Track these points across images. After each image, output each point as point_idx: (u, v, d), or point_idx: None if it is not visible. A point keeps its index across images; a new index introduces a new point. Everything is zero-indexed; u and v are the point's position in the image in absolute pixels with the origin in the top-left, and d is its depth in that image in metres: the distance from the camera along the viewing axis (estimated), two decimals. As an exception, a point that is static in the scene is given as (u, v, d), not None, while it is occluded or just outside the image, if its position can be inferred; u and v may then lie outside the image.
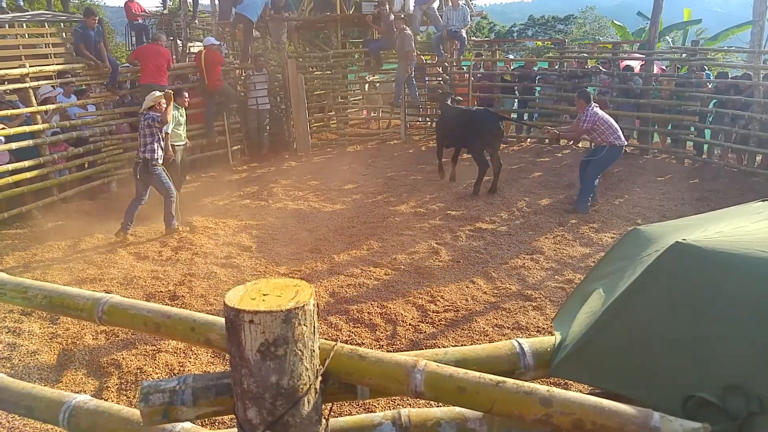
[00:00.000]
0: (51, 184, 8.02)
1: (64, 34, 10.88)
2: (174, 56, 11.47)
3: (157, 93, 6.87)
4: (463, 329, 4.67)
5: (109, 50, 9.70)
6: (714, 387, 1.20)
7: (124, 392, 3.90)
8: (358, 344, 3.72)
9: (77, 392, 2.49)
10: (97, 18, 8.97)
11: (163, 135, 6.88)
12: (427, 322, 4.79)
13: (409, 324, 4.75)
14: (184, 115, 8.34)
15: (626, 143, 8.03)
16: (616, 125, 7.54)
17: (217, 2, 12.20)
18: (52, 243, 6.76)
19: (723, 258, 1.35)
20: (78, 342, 4.53)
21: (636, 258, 1.60)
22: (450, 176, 9.05)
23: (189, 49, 12.50)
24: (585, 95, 7.65)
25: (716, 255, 1.35)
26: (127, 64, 9.97)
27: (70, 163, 8.46)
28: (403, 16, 12.16)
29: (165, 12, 15.70)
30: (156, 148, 6.72)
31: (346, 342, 2.66)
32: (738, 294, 1.29)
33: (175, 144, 7.93)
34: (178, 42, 12.90)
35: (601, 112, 7.53)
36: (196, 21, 12.86)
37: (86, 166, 8.80)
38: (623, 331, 1.37)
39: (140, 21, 14.21)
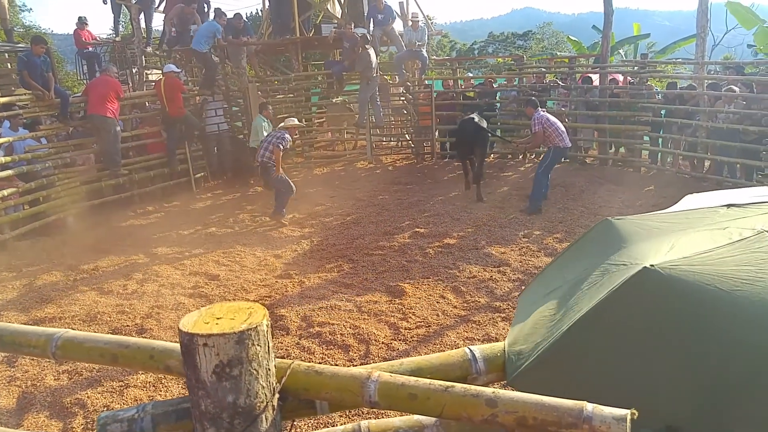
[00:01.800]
0: (2, 221, 7.71)
1: (9, 64, 10.64)
2: (130, 84, 11.35)
3: (296, 121, 8.82)
4: (435, 344, 4.72)
5: (59, 80, 9.49)
6: (657, 424, 1.24)
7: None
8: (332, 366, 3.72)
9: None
10: (45, 47, 8.70)
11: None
12: (399, 340, 4.82)
13: (382, 342, 4.77)
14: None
15: (570, 145, 8.69)
16: (562, 128, 8.21)
17: (172, 31, 12.12)
18: (5, 283, 6.50)
19: (685, 291, 1.37)
20: (38, 383, 4.39)
21: (604, 260, 1.63)
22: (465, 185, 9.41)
23: (147, 77, 12.39)
24: (532, 102, 8.49)
25: (681, 287, 1.38)
26: (79, 94, 9.77)
27: (22, 199, 8.14)
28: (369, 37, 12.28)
29: (117, 39, 15.38)
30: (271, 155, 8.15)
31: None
32: (694, 333, 1.32)
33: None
34: (134, 70, 12.73)
35: (548, 116, 8.23)
36: (149, 48, 12.69)
37: (41, 200, 8.46)
38: (581, 354, 1.41)
39: (91, 49, 13.85)
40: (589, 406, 1.12)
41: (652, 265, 1.43)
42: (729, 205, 1.97)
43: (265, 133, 9.05)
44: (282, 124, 8.57)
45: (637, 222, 1.87)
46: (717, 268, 1.45)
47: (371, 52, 11.18)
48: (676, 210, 2.12)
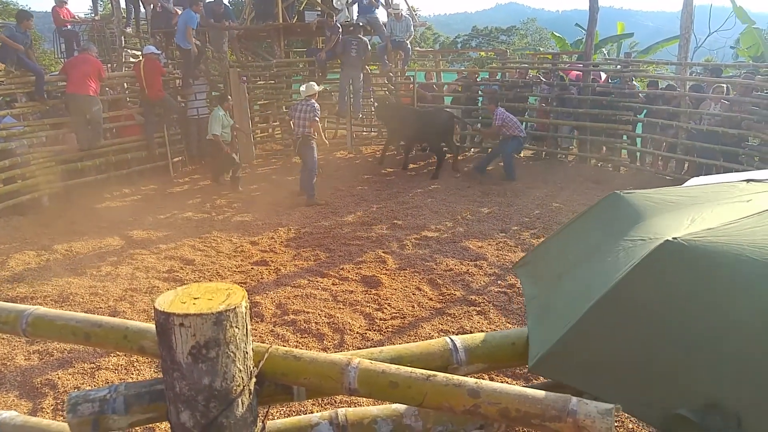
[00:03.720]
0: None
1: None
2: (109, 65, 11.13)
3: (316, 86, 8.66)
4: (409, 335, 4.71)
5: (35, 57, 9.26)
6: (694, 404, 1.18)
7: (61, 413, 3.75)
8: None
9: (7, 412, 2.39)
10: (32, 21, 8.50)
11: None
12: (374, 330, 4.81)
13: (357, 332, 4.76)
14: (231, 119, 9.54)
15: (525, 135, 10.21)
16: (517, 121, 9.86)
17: (158, 6, 11.89)
18: (-23, 261, 6.41)
19: (714, 262, 1.29)
20: (8, 363, 4.32)
21: (618, 235, 1.52)
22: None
23: (126, 59, 12.14)
24: (494, 100, 10.20)
25: (707, 259, 1.30)
26: (56, 73, 9.55)
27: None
28: (351, 28, 12.24)
29: (96, 18, 15.09)
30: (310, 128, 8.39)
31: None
32: (725, 304, 1.24)
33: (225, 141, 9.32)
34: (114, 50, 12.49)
35: (506, 112, 9.83)
36: (129, 29, 12.42)
37: (16, 179, 8.28)
38: (608, 333, 1.32)
39: (69, 27, 13.55)
40: (573, 399, 1.11)
41: (675, 238, 1.35)
42: (748, 180, 1.89)
43: (220, 126, 9.22)
44: (304, 91, 8.55)
45: (650, 196, 1.75)
46: (747, 238, 1.36)
47: (365, 39, 11.29)
48: (689, 185, 2.05)
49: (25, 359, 4.39)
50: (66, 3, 13.39)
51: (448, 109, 10.09)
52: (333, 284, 5.74)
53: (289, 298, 5.40)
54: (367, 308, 5.18)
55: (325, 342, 4.63)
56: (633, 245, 1.42)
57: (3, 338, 4.61)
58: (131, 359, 4.29)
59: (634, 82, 10.54)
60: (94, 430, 1.28)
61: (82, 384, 4.04)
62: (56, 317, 1.50)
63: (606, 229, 1.63)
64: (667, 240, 1.34)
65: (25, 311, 1.51)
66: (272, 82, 12.46)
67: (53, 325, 1.49)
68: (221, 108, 9.40)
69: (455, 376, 1.21)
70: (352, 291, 5.57)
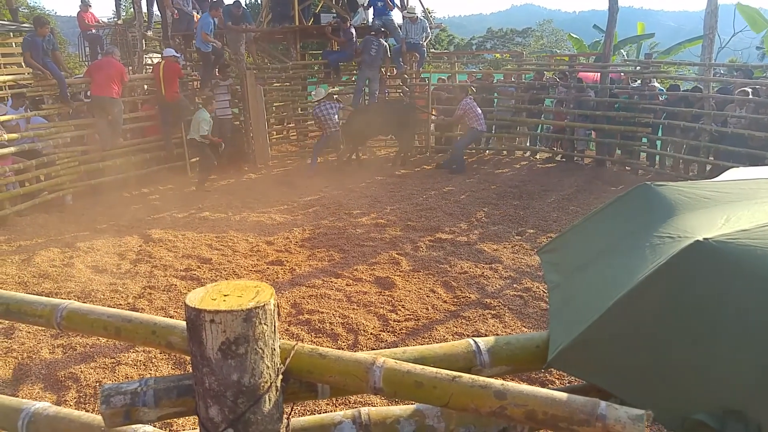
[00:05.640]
0: (3, 197, 7.82)
1: (13, 43, 10.60)
2: (130, 68, 11.30)
3: (323, 91, 10.46)
4: (423, 338, 4.72)
5: (62, 61, 9.47)
6: (714, 408, 1.15)
7: (83, 405, 3.81)
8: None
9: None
10: (48, 27, 8.72)
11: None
12: (388, 331, 4.82)
13: (371, 333, 4.77)
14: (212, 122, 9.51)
15: (485, 130, 10.84)
16: (481, 114, 10.43)
17: (174, 13, 12.07)
18: (5, 257, 6.55)
19: (745, 267, 1.23)
20: (34, 356, 4.41)
21: (646, 230, 1.46)
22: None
23: (148, 61, 12.32)
24: (464, 90, 10.98)
25: (738, 263, 1.24)
26: (81, 76, 9.77)
27: (21, 176, 8.26)
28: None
29: (119, 22, 15.38)
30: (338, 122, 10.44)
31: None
32: (753, 312, 1.19)
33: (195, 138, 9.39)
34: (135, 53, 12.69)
35: (472, 103, 10.47)
36: (150, 32, 12.63)
37: (42, 178, 8.60)
38: (630, 332, 1.28)
39: (93, 31, 13.87)
40: (602, 404, 1.10)
41: (705, 239, 1.29)
42: None
43: (206, 128, 9.29)
44: (320, 96, 10.45)
45: (683, 189, 1.65)
46: None
47: (384, 42, 11.54)
48: (724, 179, 1.98)
49: (50, 352, 4.48)
50: (90, 7, 13.66)
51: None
52: (347, 285, 5.76)
53: (303, 298, 5.42)
54: (381, 309, 5.19)
55: (339, 342, 4.65)
56: (661, 242, 1.37)
57: (29, 332, 4.71)
58: (149, 355, 4.35)
59: (655, 83, 10.42)
60: (126, 420, 1.31)
61: (104, 378, 4.10)
62: (89, 311, 1.53)
63: (634, 221, 1.56)
64: (697, 240, 1.29)
65: (60, 305, 1.55)
66: (288, 84, 12.53)
67: (86, 319, 1.52)
68: (206, 110, 9.47)
69: (481, 378, 1.22)
70: (366, 292, 5.58)
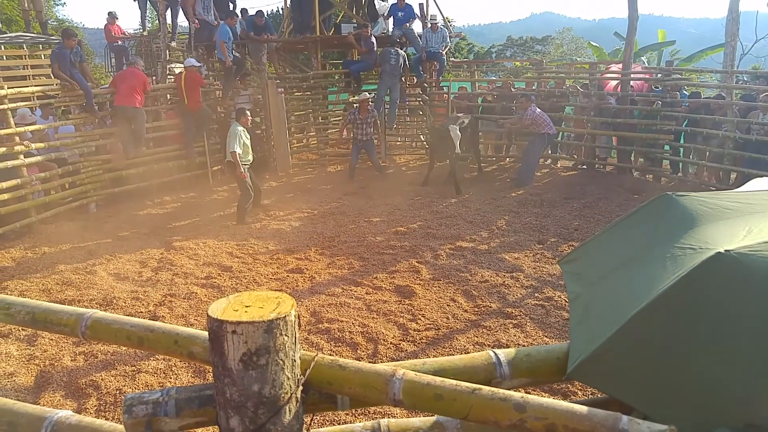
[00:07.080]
0: (29, 205, 7.98)
1: (42, 56, 10.85)
2: (154, 78, 11.49)
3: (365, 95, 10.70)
4: (444, 347, 4.69)
5: (89, 72, 9.67)
6: (736, 422, 1.14)
7: (103, 413, 3.85)
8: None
9: (56, 412, 2.47)
10: (76, 39, 8.93)
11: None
12: (408, 341, 4.80)
13: (391, 343, 4.76)
14: (249, 136, 8.37)
15: (556, 133, 10.55)
16: (549, 119, 10.09)
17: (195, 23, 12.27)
18: (31, 264, 6.69)
19: (767, 280, 1.21)
20: (56, 363, 4.48)
21: (668, 241, 1.45)
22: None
23: (171, 71, 12.52)
24: (527, 98, 10.37)
25: (760, 276, 1.22)
26: (106, 86, 9.98)
27: (48, 185, 8.44)
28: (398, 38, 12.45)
29: (144, 34, 15.71)
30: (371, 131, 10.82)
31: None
32: None
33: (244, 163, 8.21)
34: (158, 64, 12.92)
35: (539, 110, 10.10)
36: (174, 43, 12.87)
37: (67, 186, 8.78)
38: (650, 344, 1.27)
39: (119, 43, 14.19)
40: (624, 419, 1.09)
41: (727, 250, 1.28)
42: None
43: (241, 141, 8.06)
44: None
45: (704, 200, 1.64)
46: None
47: (402, 52, 11.48)
48: (747, 190, 1.96)
49: (72, 360, 4.54)
50: (117, 20, 13.98)
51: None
52: (367, 293, 5.76)
53: (323, 307, 5.43)
54: (401, 319, 5.18)
55: (358, 351, 4.64)
56: (682, 253, 1.36)
57: (52, 339, 4.78)
58: (169, 364, 4.38)
59: (684, 91, 10.31)
60: (147, 430, 1.33)
61: (124, 386, 4.14)
62: (113, 321, 1.56)
63: (655, 232, 1.55)
64: (719, 252, 1.28)
65: (85, 314, 1.58)
66: (309, 93, 12.63)
67: (110, 329, 1.55)
68: (239, 123, 8.23)
69: (500, 390, 1.22)
70: (385, 301, 5.57)
